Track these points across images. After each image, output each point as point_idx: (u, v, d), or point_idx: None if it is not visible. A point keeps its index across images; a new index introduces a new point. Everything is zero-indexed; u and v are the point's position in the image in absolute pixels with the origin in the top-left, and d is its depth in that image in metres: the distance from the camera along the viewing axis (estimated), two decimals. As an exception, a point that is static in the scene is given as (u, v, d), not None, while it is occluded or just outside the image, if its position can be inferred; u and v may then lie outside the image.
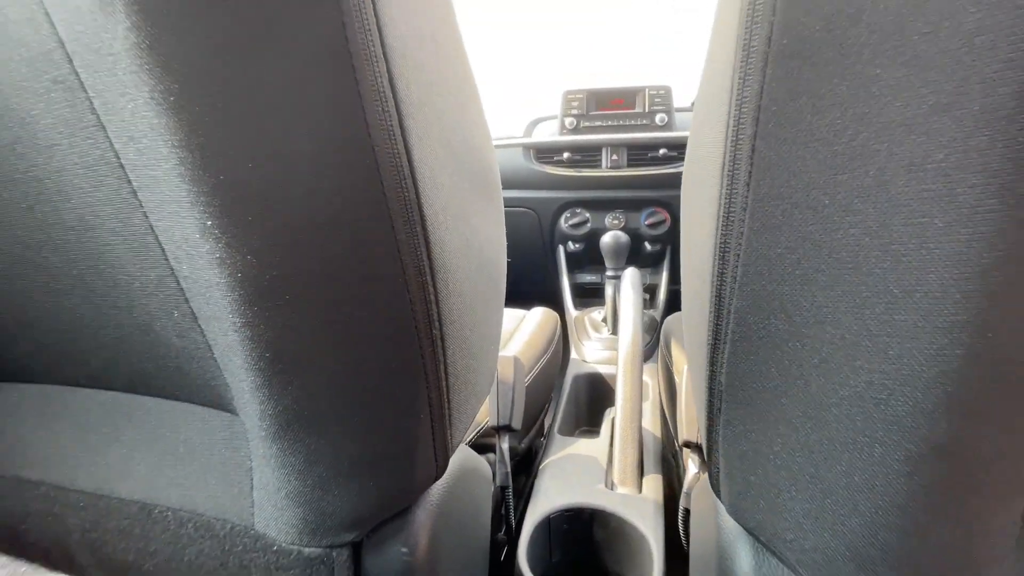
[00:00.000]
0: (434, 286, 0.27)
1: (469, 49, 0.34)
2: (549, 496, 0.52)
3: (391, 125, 0.23)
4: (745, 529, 0.28)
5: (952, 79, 0.16)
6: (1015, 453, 0.20)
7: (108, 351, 0.34)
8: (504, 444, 0.54)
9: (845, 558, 0.23)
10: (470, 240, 0.32)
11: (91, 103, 0.22)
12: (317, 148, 0.22)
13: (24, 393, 0.39)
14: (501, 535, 0.57)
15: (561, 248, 1.26)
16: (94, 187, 0.25)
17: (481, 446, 0.54)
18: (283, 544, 0.31)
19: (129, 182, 0.24)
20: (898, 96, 0.17)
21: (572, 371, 0.86)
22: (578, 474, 0.56)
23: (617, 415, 0.57)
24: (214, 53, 0.19)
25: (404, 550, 0.31)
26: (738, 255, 0.23)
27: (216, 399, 0.32)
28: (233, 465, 0.33)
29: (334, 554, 0.31)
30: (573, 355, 0.95)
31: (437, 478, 0.33)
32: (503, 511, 0.54)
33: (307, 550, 0.31)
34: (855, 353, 0.20)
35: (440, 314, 0.28)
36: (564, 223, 1.24)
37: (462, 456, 0.38)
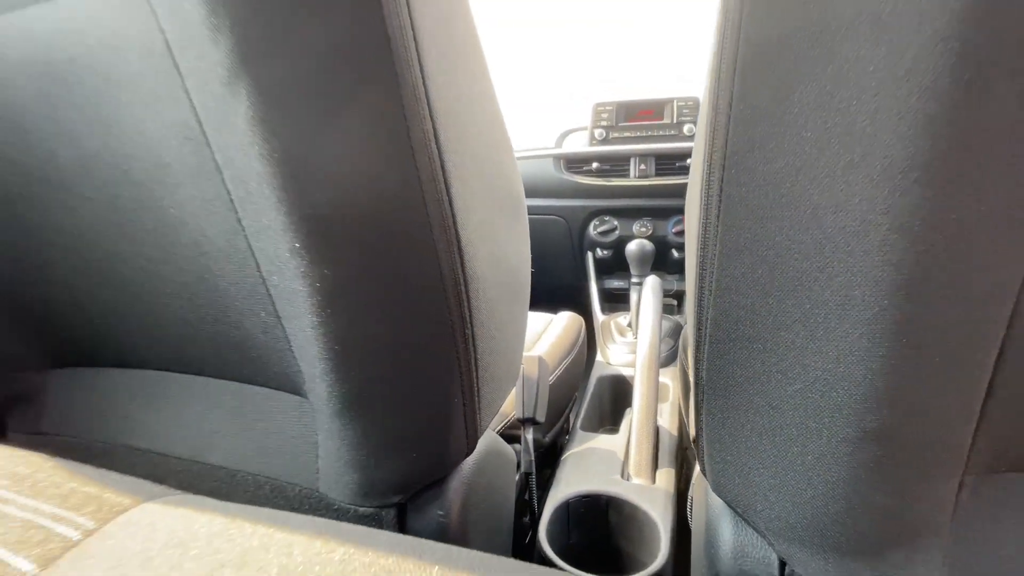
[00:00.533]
0: (467, 294, 0.33)
1: (498, 52, 0.40)
2: (569, 483, 0.57)
3: (435, 169, 0.29)
4: (726, 503, 0.32)
5: (861, 144, 0.21)
6: (940, 441, 0.24)
7: (204, 344, 0.42)
8: (529, 435, 0.59)
9: (803, 525, 0.27)
10: (497, 256, 0.38)
11: (213, 155, 0.29)
12: (379, 189, 0.29)
13: (135, 377, 0.48)
14: (526, 520, 0.62)
15: (590, 255, 1.31)
16: (208, 216, 0.32)
17: (509, 437, 0.60)
18: (342, 504, 0.38)
19: (236, 213, 0.31)
20: (823, 154, 0.22)
21: (597, 372, 0.91)
22: (597, 465, 0.61)
23: (634, 413, 0.62)
24: (307, 123, 0.26)
25: (440, 512, 0.37)
26: (712, 272, 0.28)
27: (290, 385, 0.39)
28: (302, 439, 0.40)
29: (383, 513, 0.37)
30: (599, 358, 1.00)
31: (468, 455, 0.39)
32: (527, 496, 0.60)
33: (361, 509, 0.38)
34: (804, 354, 0.25)
35: (471, 316, 0.34)
36: (593, 231, 1.28)
37: (489, 439, 0.44)
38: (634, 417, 0.61)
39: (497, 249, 0.39)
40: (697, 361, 0.31)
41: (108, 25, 0.27)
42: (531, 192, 1.36)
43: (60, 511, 0.22)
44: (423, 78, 0.27)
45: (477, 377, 0.36)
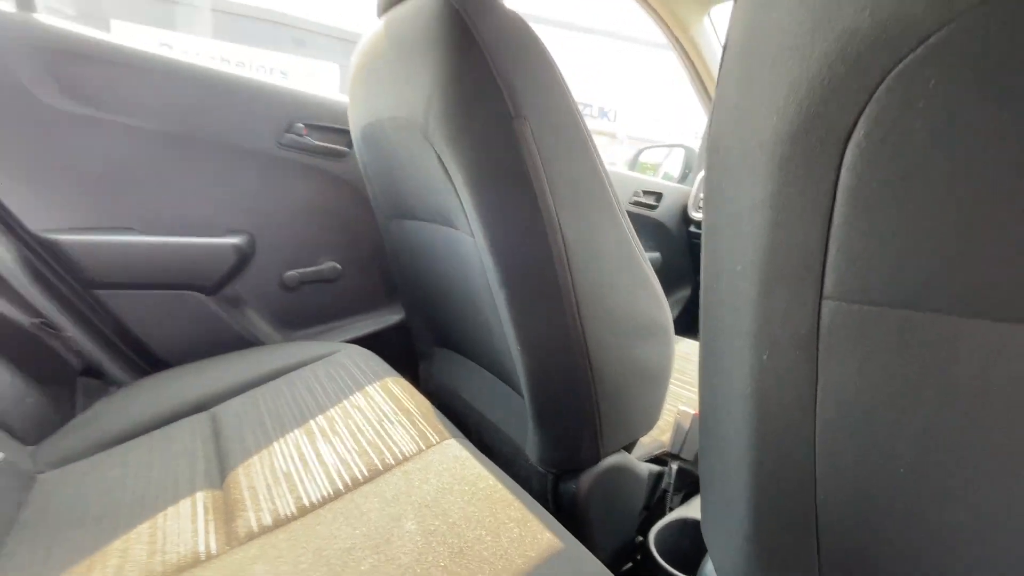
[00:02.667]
0: (595, 389, 0.63)
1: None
2: (694, 508, 0.79)
3: (574, 313, 0.60)
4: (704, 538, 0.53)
5: (741, 236, 0.40)
6: (791, 542, 0.42)
7: (489, 358, 0.84)
8: (673, 465, 0.83)
9: (725, 572, 0.48)
10: (630, 368, 0.65)
11: (482, 263, 0.67)
12: (542, 334, 0.61)
13: (464, 361, 0.96)
14: (664, 524, 0.86)
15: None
16: (481, 292, 0.71)
17: (661, 461, 0.85)
18: (532, 463, 0.75)
19: (481, 262, 0.68)
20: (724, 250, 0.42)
21: None
22: None
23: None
24: (510, 259, 0.61)
25: (574, 487, 0.69)
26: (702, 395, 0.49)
27: (520, 393, 0.77)
28: (522, 421, 0.78)
29: (548, 476, 0.72)
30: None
31: (593, 464, 0.69)
32: (662, 506, 0.84)
33: (540, 469, 0.73)
34: (718, 472, 0.46)
35: (599, 401, 0.64)
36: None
37: (619, 458, 0.72)
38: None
39: (630, 362, 0.66)
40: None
41: (454, 238, 0.68)
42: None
43: (425, 427, 0.65)
44: (569, 271, 0.58)
45: (600, 425, 0.66)
